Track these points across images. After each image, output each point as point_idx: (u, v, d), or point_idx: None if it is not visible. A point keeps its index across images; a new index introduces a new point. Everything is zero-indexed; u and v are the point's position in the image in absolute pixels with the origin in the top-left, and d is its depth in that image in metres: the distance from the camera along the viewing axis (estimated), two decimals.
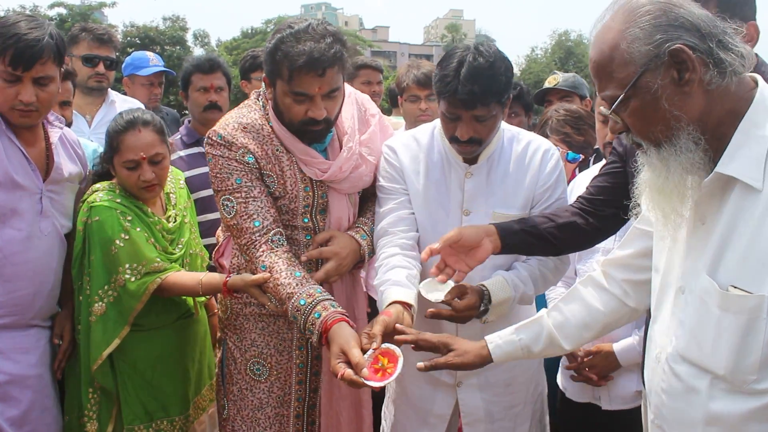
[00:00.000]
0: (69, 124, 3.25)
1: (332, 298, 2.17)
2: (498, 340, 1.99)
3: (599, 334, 1.97)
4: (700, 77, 1.37)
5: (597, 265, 1.97)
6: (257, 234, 2.25)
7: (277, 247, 2.25)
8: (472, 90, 2.12)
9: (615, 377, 2.63)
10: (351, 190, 2.48)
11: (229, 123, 2.34)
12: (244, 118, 2.35)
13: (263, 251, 2.24)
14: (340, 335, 2.00)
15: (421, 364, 1.93)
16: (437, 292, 2.24)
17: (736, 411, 1.39)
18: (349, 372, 1.91)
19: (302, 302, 2.13)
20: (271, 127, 2.35)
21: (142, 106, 4.12)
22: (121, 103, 4.01)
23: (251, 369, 2.49)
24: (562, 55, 50.38)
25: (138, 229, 2.51)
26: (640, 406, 2.27)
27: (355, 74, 4.27)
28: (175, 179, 2.79)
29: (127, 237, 2.48)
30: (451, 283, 2.23)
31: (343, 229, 2.47)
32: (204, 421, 2.82)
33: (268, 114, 2.37)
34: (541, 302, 2.86)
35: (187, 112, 4.30)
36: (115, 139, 2.52)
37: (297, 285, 2.16)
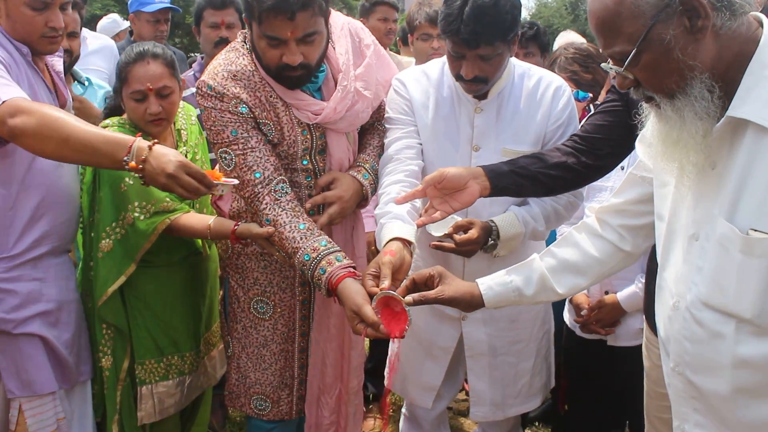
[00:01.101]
0: (77, 57, 3.24)
1: (337, 249, 2.14)
2: (490, 282, 1.94)
3: (593, 282, 1.94)
4: (713, 22, 1.33)
5: (590, 212, 1.94)
6: (259, 186, 2.22)
7: (280, 197, 2.22)
8: (474, 29, 2.11)
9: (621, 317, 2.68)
10: (349, 129, 2.44)
11: (218, 72, 2.26)
12: (232, 65, 2.27)
13: (267, 203, 2.21)
14: (348, 296, 1.99)
15: (409, 298, 1.90)
16: (441, 226, 2.25)
17: (764, 353, 1.39)
18: (370, 331, 1.92)
19: (306, 258, 2.12)
20: (260, 76, 2.28)
21: (112, 42, 4.09)
22: (93, 40, 3.99)
23: (255, 307, 2.52)
24: (573, 0, 49.42)
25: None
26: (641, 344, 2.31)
27: (371, 10, 4.22)
28: (187, 115, 2.77)
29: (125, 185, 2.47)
30: (455, 218, 2.24)
31: (344, 168, 2.44)
32: (215, 356, 2.86)
33: (255, 63, 2.29)
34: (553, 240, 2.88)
35: (192, 55, 4.25)
36: (123, 70, 2.50)
37: (301, 239, 2.15)
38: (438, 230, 2.28)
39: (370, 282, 1.96)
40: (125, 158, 1.96)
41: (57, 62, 2.50)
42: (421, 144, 2.41)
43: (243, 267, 2.53)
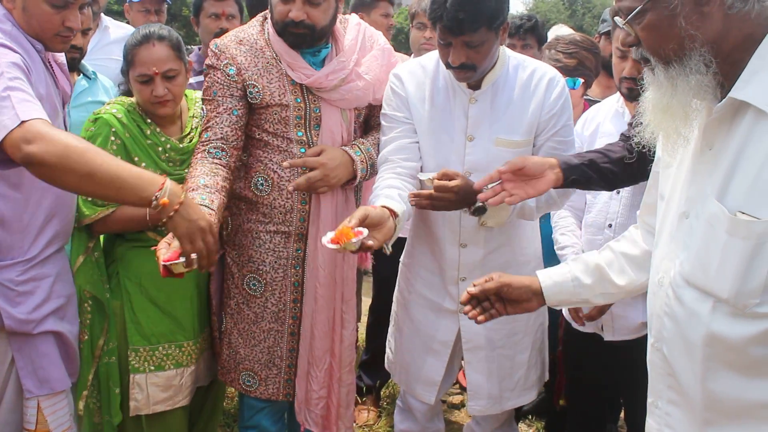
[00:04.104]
0: (85, 53, 3.21)
1: (208, 204, 2.19)
2: (548, 272, 1.96)
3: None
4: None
5: (638, 217, 1.94)
6: (201, 143, 2.45)
7: (208, 157, 2.41)
8: (457, 16, 2.14)
9: (619, 309, 2.66)
10: (343, 104, 2.55)
11: (228, 36, 2.55)
12: (242, 33, 2.55)
13: (197, 157, 2.43)
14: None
15: (480, 318, 1.94)
16: (429, 173, 2.32)
17: (737, 334, 1.40)
18: (162, 251, 1.98)
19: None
20: (265, 41, 2.51)
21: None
22: (115, 29, 3.93)
23: (247, 284, 2.62)
24: None
25: (118, 158, 2.44)
26: (643, 337, 2.30)
27: (372, 6, 4.23)
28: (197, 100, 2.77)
29: None
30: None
31: (336, 143, 2.54)
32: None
33: (266, 30, 2.53)
34: (547, 229, 2.88)
35: (189, 47, 4.22)
36: (130, 52, 2.51)
37: (192, 189, 2.27)
38: (426, 176, 2.32)
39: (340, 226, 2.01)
40: (157, 193, 1.90)
41: (59, 54, 2.46)
42: (417, 142, 2.44)
43: (239, 244, 2.62)
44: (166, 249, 2.00)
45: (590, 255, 1.94)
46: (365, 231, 1.97)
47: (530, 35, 3.86)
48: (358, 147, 2.55)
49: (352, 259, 2.66)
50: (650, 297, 1.63)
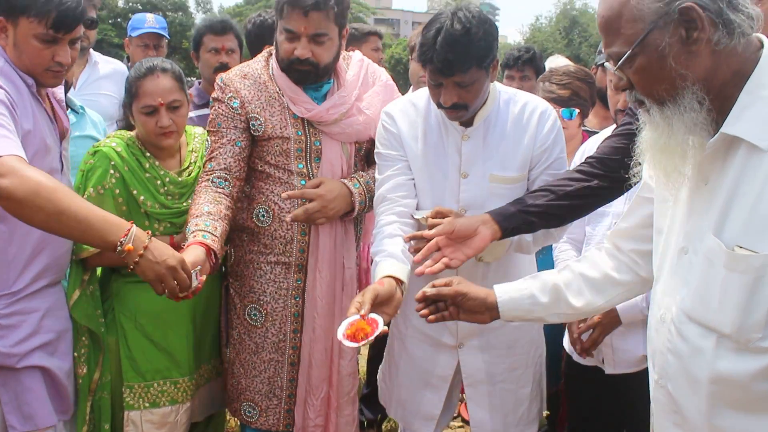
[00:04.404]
0: (70, 86, 3.22)
1: (213, 233, 2.31)
2: (506, 287, 1.98)
3: (610, 302, 1.93)
4: (709, 37, 1.36)
5: (606, 239, 1.95)
6: (205, 173, 2.53)
7: (212, 186, 2.49)
8: (447, 57, 2.13)
9: (620, 342, 2.64)
10: (343, 138, 2.62)
11: (234, 70, 2.65)
12: (247, 67, 2.64)
13: (200, 186, 2.50)
14: (186, 252, 2.15)
15: (425, 289, 1.97)
16: (424, 211, 2.32)
17: (742, 370, 1.39)
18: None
19: (188, 229, 2.34)
20: (269, 75, 2.59)
21: (124, 66, 4.08)
22: (105, 64, 3.97)
23: (248, 314, 2.67)
24: (567, 25, 49.93)
25: (117, 191, 2.50)
26: (644, 370, 2.28)
27: (364, 39, 4.27)
28: (202, 138, 2.79)
29: (102, 191, 2.47)
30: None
31: (335, 177, 2.59)
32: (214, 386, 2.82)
33: (270, 65, 2.61)
34: (546, 264, 2.86)
35: (189, 79, 4.26)
36: (134, 84, 2.53)
37: (197, 215, 2.36)
38: (420, 214, 2.32)
39: (353, 309, 1.97)
40: (121, 239, 1.93)
41: (58, 90, 2.49)
42: (412, 179, 2.43)
43: (241, 274, 2.68)
44: None
45: (549, 274, 1.96)
46: (380, 320, 1.93)
47: (528, 67, 3.90)
48: (357, 180, 2.60)
49: (351, 291, 2.66)
50: (652, 333, 1.62)
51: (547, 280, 1.94)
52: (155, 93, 2.51)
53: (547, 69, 4.07)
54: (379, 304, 2.01)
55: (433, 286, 2.00)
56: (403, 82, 3.91)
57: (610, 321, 2.60)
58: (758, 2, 2.11)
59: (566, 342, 2.89)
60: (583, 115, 3.21)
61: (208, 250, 2.24)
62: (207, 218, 2.35)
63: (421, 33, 2.24)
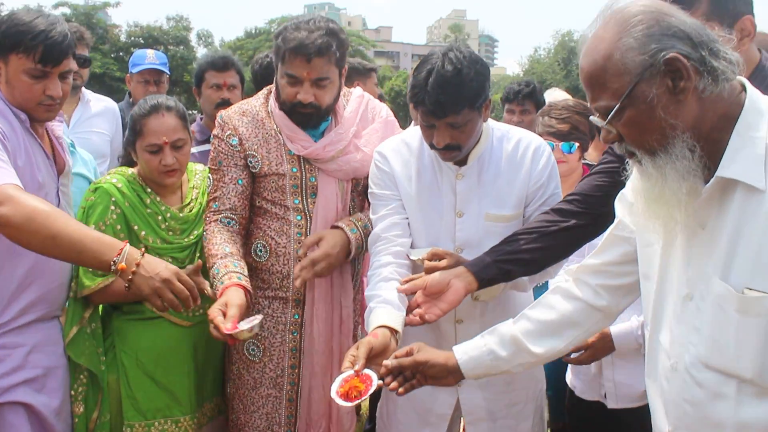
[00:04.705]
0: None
1: (243, 272, 2.39)
2: (465, 347, 1.96)
3: (570, 344, 1.92)
4: (695, 85, 1.37)
5: (566, 275, 1.94)
6: (211, 213, 2.56)
7: (223, 226, 2.53)
8: (439, 99, 2.12)
9: (622, 377, 2.64)
10: (340, 175, 2.61)
11: (233, 107, 2.67)
12: (246, 105, 2.66)
13: (210, 225, 2.54)
14: (229, 294, 2.24)
15: (387, 362, 1.94)
16: (420, 251, 2.31)
17: (765, 415, 1.38)
18: (219, 319, 2.13)
19: (216, 270, 2.38)
20: (267, 112, 2.61)
21: (115, 104, 4.11)
22: (96, 102, 3.99)
23: (247, 349, 2.65)
24: (565, 56, 50.42)
25: (119, 227, 2.50)
26: (647, 405, 2.27)
27: (368, 75, 4.30)
28: (203, 174, 2.80)
29: (103, 228, 2.46)
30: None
31: (330, 212, 2.59)
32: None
33: (267, 102, 2.63)
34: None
35: (192, 112, 4.29)
36: (138, 122, 2.54)
37: (221, 257, 2.42)
38: (416, 255, 2.31)
39: (347, 363, 1.96)
40: (115, 258, 1.99)
41: (57, 127, 2.50)
42: (407, 218, 2.42)
43: None
44: (222, 318, 2.15)
45: (505, 326, 1.93)
46: (374, 376, 1.92)
47: (528, 101, 3.94)
48: (355, 224, 2.57)
49: (348, 329, 2.67)
50: (662, 383, 1.59)
51: (504, 333, 1.92)
52: (160, 132, 2.52)
53: (545, 102, 4.12)
54: (373, 356, 1.99)
55: (396, 357, 1.97)
56: (403, 114, 3.94)
57: (603, 346, 2.59)
58: (738, 44, 2.12)
59: (569, 377, 2.88)
60: (583, 149, 3.23)
61: (246, 290, 2.30)
62: (232, 259, 2.40)
63: (412, 74, 2.24)
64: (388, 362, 1.94)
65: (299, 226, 2.57)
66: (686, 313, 1.49)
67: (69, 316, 2.48)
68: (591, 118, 1.55)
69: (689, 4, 1.95)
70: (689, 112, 1.39)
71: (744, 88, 1.43)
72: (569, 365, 2.86)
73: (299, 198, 2.57)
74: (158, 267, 2.04)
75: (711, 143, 1.41)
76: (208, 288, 2.31)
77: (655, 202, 1.47)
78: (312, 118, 2.52)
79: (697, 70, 1.37)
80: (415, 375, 1.96)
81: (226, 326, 2.12)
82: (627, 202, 1.73)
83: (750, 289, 1.35)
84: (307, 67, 2.40)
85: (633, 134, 1.45)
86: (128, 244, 2.04)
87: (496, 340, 1.92)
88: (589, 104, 1.51)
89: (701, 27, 1.41)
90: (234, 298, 2.22)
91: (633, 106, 1.41)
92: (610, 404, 2.67)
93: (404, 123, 3.33)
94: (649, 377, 1.65)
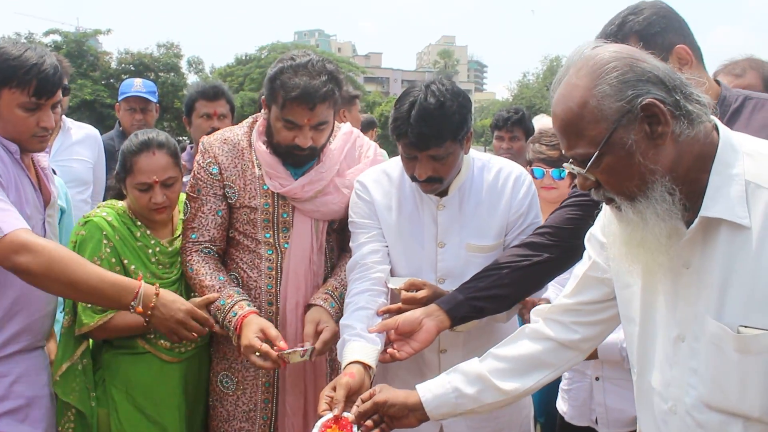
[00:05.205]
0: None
1: (248, 299, 2.43)
2: (429, 384, 1.92)
3: (539, 384, 1.89)
4: (672, 129, 1.37)
5: (535, 315, 1.93)
6: (191, 243, 2.54)
7: (205, 255, 2.52)
8: (422, 132, 2.12)
9: (613, 402, 2.63)
10: (317, 216, 2.55)
11: (216, 134, 2.64)
12: (228, 133, 2.62)
13: (192, 256, 2.52)
14: (245, 333, 2.27)
15: (354, 409, 1.91)
16: (398, 280, 2.29)
17: None
18: (266, 346, 2.20)
19: (222, 302, 2.39)
20: (248, 142, 2.57)
21: (96, 131, 4.11)
22: (77, 130, 3.98)
23: (221, 381, 2.62)
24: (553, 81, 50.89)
25: (113, 260, 2.48)
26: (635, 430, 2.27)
27: (353, 102, 4.33)
28: None
29: (98, 263, 2.42)
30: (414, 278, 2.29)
31: (305, 252, 2.53)
32: None
33: (251, 132, 2.59)
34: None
35: (182, 139, 4.30)
36: (128, 159, 2.52)
37: (220, 287, 2.43)
38: (394, 283, 2.30)
39: (324, 405, 1.94)
40: (132, 303, 2.14)
41: (42, 158, 2.50)
42: (386, 246, 2.41)
43: (218, 341, 2.63)
44: (267, 345, 2.24)
45: (471, 364, 1.90)
46: (352, 420, 1.90)
47: (517, 127, 3.99)
48: (332, 297, 2.48)
49: (321, 368, 2.62)
50: (658, 425, 1.56)
51: (469, 371, 1.88)
52: (150, 171, 2.49)
53: (534, 129, 4.15)
54: (349, 394, 1.97)
55: (362, 400, 1.93)
56: (392, 140, 3.94)
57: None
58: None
59: (559, 403, 2.87)
60: (573, 175, 3.25)
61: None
62: (231, 288, 2.44)
63: (394, 107, 2.23)
64: (352, 413, 1.91)
65: (270, 260, 2.54)
66: (679, 355, 1.48)
67: (60, 352, 2.46)
68: (565, 165, 1.53)
69: (619, 42, 2.00)
70: (667, 155, 1.39)
71: (716, 127, 1.44)
72: (559, 390, 2.86)
73: (270, 232, 2.53)
74: (173, 308, 2.16)
75: (689, 184, 1.40)
76: (216, 325, 2.33)
77: (637, 248, 1.46)
78: (307, 159, 2.49)
79: (673, 114, 1.37)
80: (383, 420, 1.91)
81: (279, 344, 2.21)
82: (597, 242, 1.73)
83: (745, 326, 1.34)
84: (309, 114, 2.35)
85: (612, 181, 1.44)
86: (143, 285, 2.16)
87: (462, 378, 1.88)
88: (564, 151, 1.50)
89: (672, 71, 1.42)
90: (266, 323, 2.29)
91: (611, 153, 1.40)
92: (602, 430, 2.66)
93: (394, 148, 3.32)
94: (641, 415, 1.63)
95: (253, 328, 2.25)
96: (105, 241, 2.48)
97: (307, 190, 2.49)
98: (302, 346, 2.25)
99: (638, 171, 1.39)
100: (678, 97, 1.37)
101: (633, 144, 1.37)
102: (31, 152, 2.36)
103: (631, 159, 1.39)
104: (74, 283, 2.07)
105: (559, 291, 2.72)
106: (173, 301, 2.16)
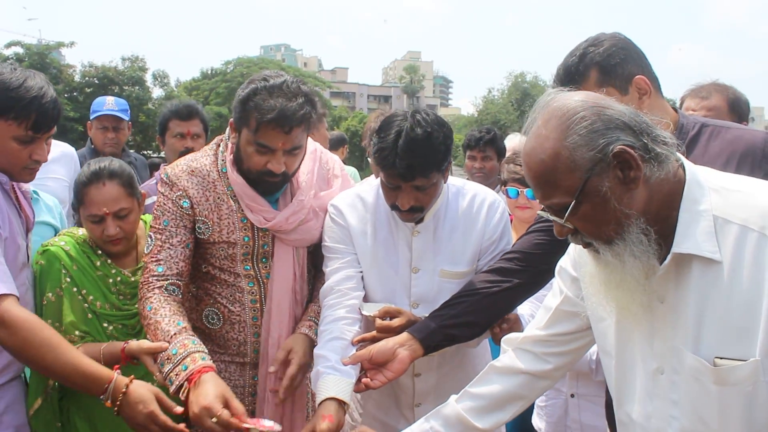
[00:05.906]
0: None
1: (204, 350, 2.17)
2: (409, 431, 1.94)
3: (516, 413, 1.93)
4: (643, 173, 1.40)
5: (505, 344, 1.96)
6: (155, 278, 2.31)
7: (169, 295, 2.30)
8: (410, 163, 2.12)
9: (588, 418, 2.68)
10: (298, 244, 2.47)
11: (180, 164, 2.44)
12: (194, 162, 2.44)
13: (155, 294, 2.28)
14: (218, 383, 2.04)
15: None
16: (372, 307, 2.28)
17: None
18: (226, 413, 1.95)
19: (174, 351, 2.14)
20: (218, 173, 2.41)
21: (72, 149, 4.06)
22: (54, 148, 3.86)
23: None
24: (519, 96, 51.44)
25: (74, 289, 2.41)
26: None
27: (321, 120, 4.32)
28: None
29: (60, 293, 2.38)
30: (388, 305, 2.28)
31: (288, 282, 2.45)
32: None
33: (219, 160, 2.43)
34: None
35: (146, 152, 4.26)
36: (80, 191, 2.44)
37: (175, 333, 2.18)
38: (369, 310, 2.28)
39: None
40: (101, 397, 2.04)
41: (22, 183, 2.44)
42: (360, 272, 2.39)
43: None
44: (227, 412, 2.00)
45: (448, 407, 1.93)
46: None
47: (489, 147, 4.03)
48: (316, 324, 2.41)
49: (302, 397, 2.57)
50: None
51: (448, 414, 1.91)
52: (100, 203, 2.40)
53: (506, 148, 4.21)
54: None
55: None
56: (359, 154, 3.96)
57: None
58: (638, 104, 2.15)
59: (535, 419, 2.90)
60: None
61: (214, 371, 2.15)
62: (187, 335, 2.18)
63: (378, 136, 2.20)
64: None
65: (252, 293, 2.45)
66: (659, 388, 1.51)
67: (32, 386, 2.40)
68: (540, 213, 1.56)
69: (580, 76, 2.05)
70: (640, 198, 1.42)
71: (681, 165, 1.48)
72: (535, 407, 2.89)
73: (250, 264, 2.43)
74: (135, 410, 2.01)
75: (660, 222, 1.44)
76: (179, 409, 2.12)
77: (617, 288, 1.49)
78: (278, 185, 2.39)
79: (643, 158, 1.40)
80: None
81: (246, 420, 1.98)
82: (569, 276, 1.77)
83: (720, 358, 1.38)
84: (284, 138, 2.24)
85: (590, 227, 1.47)
86: (115, 378, 2.03)
87: (441, 422, 1.90)
88: (539, 201, 1.53)
89: (636, 114, 1.45)
90: (228, 391, 2.04)
91: (587, 201, 1.43)
92: None
93: (360, 163, 3.32)
94: None
95: (214, 390, 2.00)
96: (63, 271, 2.40)
97: (292, 222, 2.40)
98: (270, 425, 2.06)
99: (614, 216, 1.42)
100: (646, 141, 1.41)
101: (607, 191, 1.40)
102: (21, 182, 2.31)
103: (606, 205, 1.41)
104: (46, 368, 2.06)
105: (535, 306, 2.78)
106: (137, 402, 2.01)
